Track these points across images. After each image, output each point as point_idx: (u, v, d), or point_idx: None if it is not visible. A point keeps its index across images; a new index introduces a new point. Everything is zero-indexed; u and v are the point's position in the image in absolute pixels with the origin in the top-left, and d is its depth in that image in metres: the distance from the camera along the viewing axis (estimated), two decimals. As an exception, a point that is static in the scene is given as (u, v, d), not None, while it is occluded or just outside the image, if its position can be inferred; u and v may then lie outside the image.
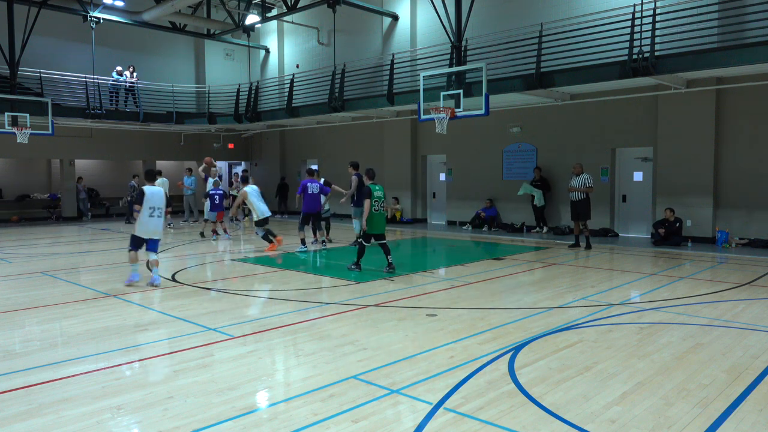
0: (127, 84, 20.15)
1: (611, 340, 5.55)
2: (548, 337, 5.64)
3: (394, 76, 15.87)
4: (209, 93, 21.84)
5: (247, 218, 19.24)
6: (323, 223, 13.27)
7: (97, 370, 4.81)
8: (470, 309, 6.89)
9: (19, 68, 16.75)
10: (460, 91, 12.32)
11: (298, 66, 21.97)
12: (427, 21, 17.45)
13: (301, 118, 19.44)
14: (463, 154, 17.50)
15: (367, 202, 9.27)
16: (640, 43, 11.40)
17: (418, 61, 16.55)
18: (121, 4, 18.61)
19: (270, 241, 12.08)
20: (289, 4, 17.15)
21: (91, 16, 17.56)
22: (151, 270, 8.59)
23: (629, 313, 6.67)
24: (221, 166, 25.47)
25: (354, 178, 12.08)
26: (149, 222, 8.47)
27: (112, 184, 22.63)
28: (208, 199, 14.45)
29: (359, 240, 9.65)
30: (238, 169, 22.91)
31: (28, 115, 16.20)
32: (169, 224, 17.32)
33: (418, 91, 12.98)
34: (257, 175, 23.44)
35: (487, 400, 4.05)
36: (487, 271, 9.59)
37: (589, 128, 14.74)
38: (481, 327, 6.04)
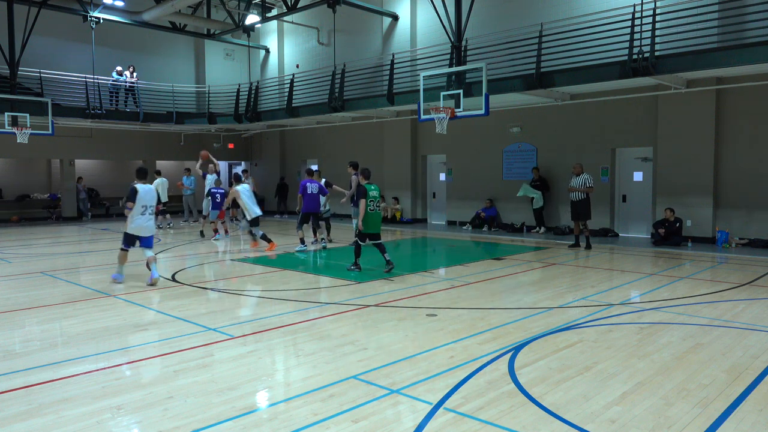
0: (127, 84, 20.15)
1: (611, 340, 5.55)
2: (548, 337, 5.64)
3: (394, 76, 15.87)
4: (209, 93, 21.84)
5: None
6: (324, 224, 13.31)
7: (97, 370, 4.81)
8: (470, 309, 6.89)
9: (19, 68, 16.75)
10: (460, 91, 12.32)
11: (298, 66, 21.98)
12: (427, 21, 17.45)
13: (301, 118, 19.44)
14: (463, 154, 17.50)
15: (362, 202, 9.29)
16: (640, 43, 11.40)
17: (418, 61, 16.55)
18: (121, 4, 18.62)
19: (269, 241, 12.09)
20: (289, 4, 17.15)
21: (91, 16, 17.56)
22: (150, 269, 8.62)
23: (629, 313, 6.67)
24: (221, 166, 25.51)
25: (354, 177, 12.09)
26: (140, 219, 8.55)
27: (112, 184, 22.63)
28: (209, 197, 14.43)
29: (355, 240, 9.66)
30: (238, 169, 22.90)
31: (28, 115, 16.20)
32: (169, 224, 17.32)
33: (418, 91, 12.99)
34: (257, 175, 23.44)
35: (487, 400, 4.05)
36: (487, 271, 9.59)
37: (589, 128, 14.74)
38: (481, 327, 6.04)
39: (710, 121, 12.72)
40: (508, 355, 5.07)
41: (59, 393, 4.28)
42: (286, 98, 19.45)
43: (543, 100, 14.41)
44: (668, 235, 12.62)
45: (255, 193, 13.97)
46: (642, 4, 11.57)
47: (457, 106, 12.26)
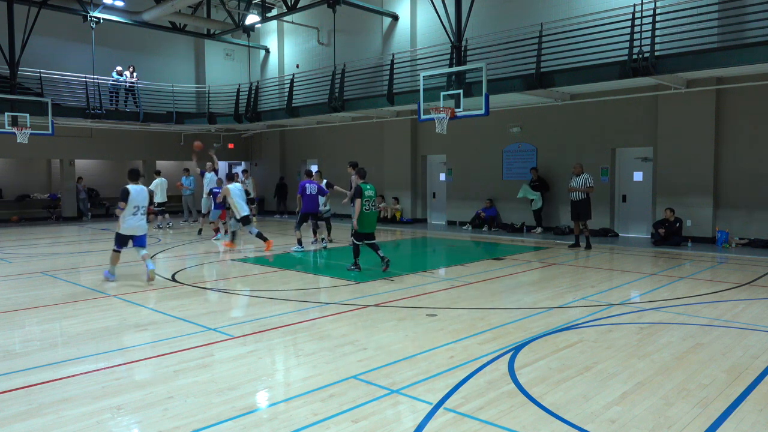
0: (127, 84, 20.15)
1: (611, 340, 5.55)
2: (548, 337, 5.64)
3: (394, 76, 15.87)
4: (209, 93, 21.84)
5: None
6: (324, 224, 13.34)
7: (97, 370, 4.81)
8: (470, 309, 6.89)
9: (19, 68, 16.76)
10: (460, 91, 12.33)
11: (298, 66, 21.98)
12: (427, 21, 17.45)
13: (301, 118, 19.44)
14: (463, 154, 17.50)
15: (357, 202, 9.30)
16: (640, 43, 11.40)
17: (418, 61, 16.56)
18: (121, 4, 18.62)
19: (265, 240, 12.12)
20: (289, 4, 17.15)
21: (91, 16, 17.56)
22: (145, 261, 8.74)
23: (629, 313, 6.67)
24: (222, 166, 25.50)
25: (354, 177, 12.08)
26: (132, 220, 8.63)
27: (112, 184, 22.61)
28: (210, 196, 14.43)
29: (352, 240, 9.67)
30: (238, 169, 22.91)
31: (28, 115, 16.21)
32: (168, 224, 17.32)
33: (418, 91, 12.99)
34: (257, 175, 23.43)
35: (487, 400, 4.05)
36: (487, 271, 9.59)
37: (589, 128, 14.74)
38: (481, 327, 6.04)
39: (710, 121, 12.72)
40: (508, 355, 5.07)
41: (59, 393, 4.28)
42: (286, 98, 19.45)
43: (543, 100, 14.41)
44: (668, 235, 12.62)
45: (247, 193, 14.01)
46: (642, 4, 11.57)
47: (457, 106, 12.26)
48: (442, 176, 18.65)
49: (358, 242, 9.55)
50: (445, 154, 18.22)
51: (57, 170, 21.43)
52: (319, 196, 12.41)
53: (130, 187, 8.62)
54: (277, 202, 22.87)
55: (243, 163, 25.41)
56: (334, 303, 7.26)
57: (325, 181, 13.34)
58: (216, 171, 15.78)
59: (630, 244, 12.99)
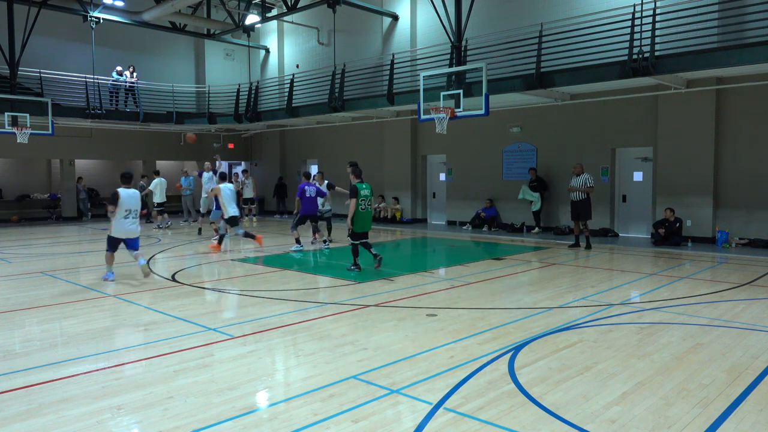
0: (127, 84, 20.15)
1: (611, 340, 5.55)
2: (548, 337, 5.64)
3: (394, 76, 15.87)
4: (209, 93, 21.84)
5: (247, 219, 19.26)
6: (325, 224, 13.40)
7: (97, 370, 4.81)
8: (470, 309, 6.89)
9: (19, 68, 16.75)
10: (460, 91, 12.32)
11: (298, 66, 21.98)
12: (427, 21, 17.45)
13: (301, 118, 19.44)
14: (463, 154, 17.50)
15: (353, 201, 9.32)
16: (640, 43, 11.40)
17: (418, 61, 16.56)
18: (121, 4, 18.62)
19: (253, 237, 12.20)
20: (289, 4, 17.15)
21: (91, 16, 17.56)
22: (137, 259, 8.86)
23: (629, 313, 6.67)
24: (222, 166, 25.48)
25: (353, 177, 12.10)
26: (124, 223, 8.65)
27: (112, 184, 22.52)
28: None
29: (351, 241, 9.67)
30: (238, 169, 22.92)
31: (28, 115, 16.21)
32: (168, 224, 17.32)
33: (418, 91, 12.99)
34: (257, 175, 23.42)
35: (487, 400, 4.05)
36: (487, 271, 9.59)
37: (589, 128, 14.74)
38: (481, 327, 6.04)
39: (710, 121, 12.72)
40: (508, 355, 5.07)
41: (59, 393, 4.28)
42: (286, 98, 19.45)
43: (543, 100, 14.41)
44: (668, 235, 12.62)
45: (239, 194, 14.01)
46: (642, 4, 11.56)
47: (457, 106, 12.26)
48: (442, 176, 18.65)
49: (355, 242, 9.55)
50: (445, 154, 18.22)
51: (57, 170, 21.43)
52: (318, 198, 12.47)
53: (121, 190, 8.64)
54: (276, 202, 22.87)
55: (243, 163, 25.41)
56: (334, 303, 7.26)
57: (326, 182, 13.38)
58: (215, 171, 15.78)
59: (630, 244, 12.99)
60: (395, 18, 18.30)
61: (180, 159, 23.62)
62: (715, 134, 12.71)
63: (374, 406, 3.98)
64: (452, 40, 13.48)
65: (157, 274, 9.48)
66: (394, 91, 15.78)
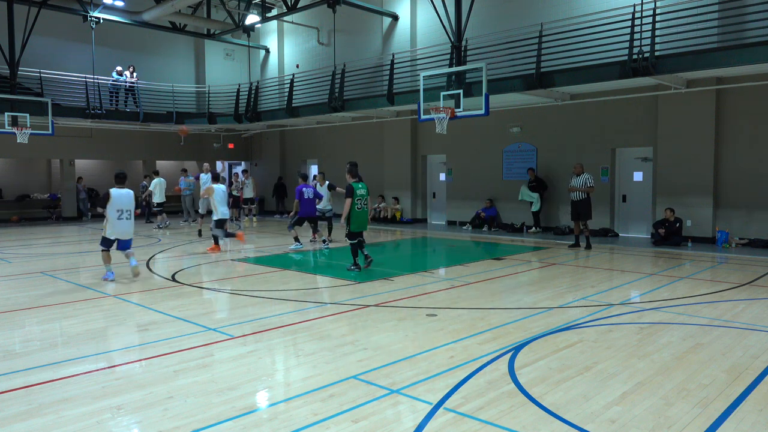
0: (127, 84, 20.15)
1: (611, 340, 5.55)
2: (548, 337, 5.64)
3: (394, 76, 15.87)
4: (209, 93, 21.84)
5: (247, 219, 19.26)
6: (326, 223, 13.43)
7: (97, 370, 4.81)
8: (470, 309, 6.89)
9: (19, 68, 16.75)
10: (460, 91, 12.33)
11: (298, 66, 21.98)
12: (427, 21, 17.45)
13: (301, 118, 19.44)
14: (463, 154, 17.50)
15: (348, 201, 9.33)
16: (640, 43, 11.40)
17: (418, 61, 16.55)
18: (121, 4, 18.61)
19: (234, 234, 12.28)
20: (289, 4, 17.15)
21: (91, 16, 17.56)
22: (129, 258, 8.91)
23: (629, 313, 6.67)
24: (221, 166, 25.51)
25: (346, 176, 12.13)
26: (117, 224, 8.66)
27: (112, 184, 22.52)
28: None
29: (348, 241, 9.67)
30: (238, 169, 22.92)
31: (28, 115, 16.21)
32: (167, 224, 17.31)
33: (418, 91, 12.99)
34: (257, 175, 23.43)
35: (487, 400, 4.05)
36: (487, 271, 9.59)
37: (589, 128, 14.74)
38: (481, 327, 6.04)
39: (710, 121, 12.72)
40: (508, 355, 5.07)
41: (59, 393, 4.28)
42: (286, 98, 19.44)
43: (543, 100, 14.41)
44: (668, 235, 12.62)
45: (230, 194, 14.01)
46: (642, 4, 11.56)
47: (457, 106, 12.26)
48: (442, 176, 18.65)
49: (353, 241, 9.56)
50: (445, 154, 18.22)
51: (57, 170, 21.43)
52: (316, 199, 12.57)
53: (113, 190, 8.65)
54: (275, 202, 22.87)
55: (243, 163, 25.41)
56: (334, 303, 7.26)
57: (327, 182, 13.40)
58: (212, 172, 15.79)
59: (630, 244, 12.99)
60: (395, 18, 18.30)
61: (180, 159, 23.62)
62: (715, 134, 12.71)
63: (374, 406, 3.98)
64: (452, 40, 13.48)
65: (157, 274, 9.49)
66: (394, 91, 15.78)
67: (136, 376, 4.68)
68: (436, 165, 18.86)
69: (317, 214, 13.02)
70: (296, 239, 12.33)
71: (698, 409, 3.92)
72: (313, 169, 22.52)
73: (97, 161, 22.28)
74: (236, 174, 20.87)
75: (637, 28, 11.57)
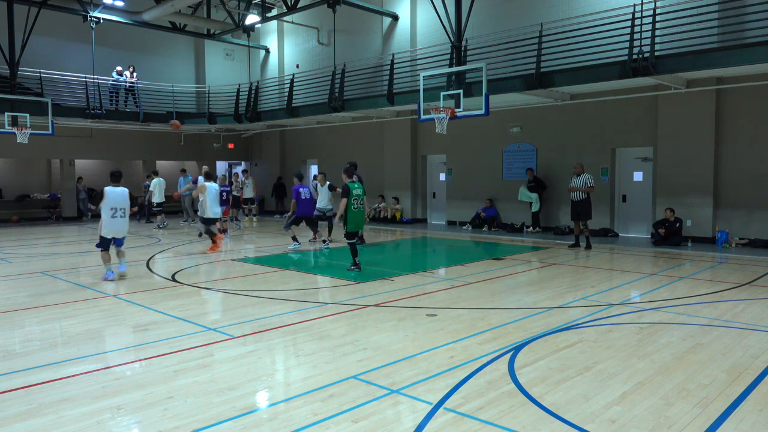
0: (127, 84, 20.15)
1: (611, 340, 5.55)
2: (548, 337, 5.64)
3: (394, 76, 15.87)
4: (209, 93, 21.84)
5: (247, 218, 19.26)
6: (326, 223, 13.44)
7: (97, 370, 4.81)
8: (470, 309, 6.89)
9: (19, 68, 16.75)
10: (460, 91, 12.32)
11: (298, 66, 21.97)
12: (427, 21, 17.45)
13: (301, 118, 19.44)
14: (463, 154, 17.50)
15: (344, 201, 9.36)
16: (640, 43, 11.40)
17: (418, 61, 16.55)
18: (121, 4, 18.61)
19: (214, 235, 12.21)
20: (289, 4, 17.15)
21: (91, 16, 17.55)
22: (119, 260, 8.92)
23: (629, 313, 6.67)
24: (221, 166, 25.50)
25: (354, 177, 12.11)
26: (111, 222, 8.67)
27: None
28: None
29: (347, 241, 9.67)
30: (238, 169, 22.93)
31: (28, 115, 16.20)
32: (165, 224, 17.30)
33: (418, 91, 12.99)
34: (257, 175, 23.42)
35: (487, 400, 4.05)
36: (487, 271, 9.59)
37: (589, 128, 14.74)
38: (481, 327, 6.04)
39: (710, 121, 12.72)
40: (508, 355, 5.07)
41: (59, 393, 4.28)
42: (286, 98, 19.44)
43: (543, 100, 14.41)
44: (668, 235, 12.62)
45: (222, 195, 13.99)
46: (642, 4, 11.56)
47: (457, 106, 12.26)
48: (442, 176, 18.65)
49: (351, 241, 9.56)
50: (445, 154, 18.22)
51: (57, 170, 21.42)
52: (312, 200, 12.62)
53: (107, 188, 8.68)
54: (275, 202, 22.87)
55: (243, 163, 25.41)
56: (334, 303, 7.26)
57: (328, 183, 13.40)
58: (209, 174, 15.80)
59: (630, 244, 12.98)
60: (395, 18, 18.30)
61: (180, 159, 23.61)
62: (715, 134, 12.71)
63: (374, 406, 3.98)
64: (452, 40, 13.48)
65: (157, 274, 9.49)
66: (394, 91, 15.78)
67: (136, 376, 4.68)
68: (436, 165, 18.86)
69: (318, 213, 13.03)
70: (294, 239, 12.33)
71: (698, 409, 3.92)
72: (313, 169, 22.52)
73: (97, 161, 22.28)
74: (236, 174, 20.87)
75: (637, 28, 11.57)
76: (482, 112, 11.79)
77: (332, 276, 9.21)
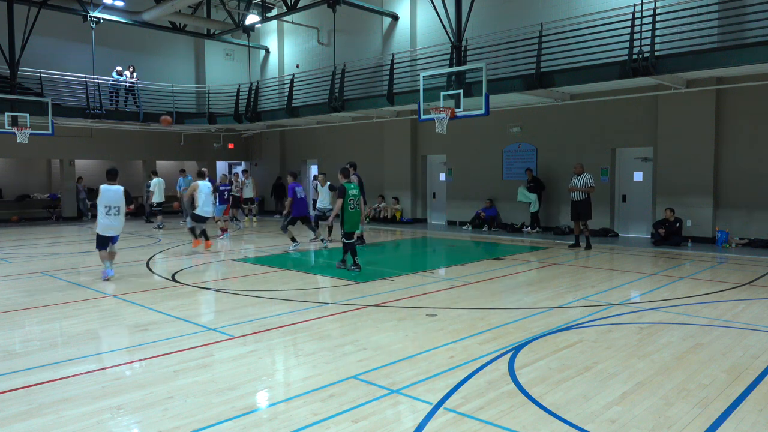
0: (127, 84, 20.15)
1: (611, 340, 5.55)
2: (548, 337, 5.64)
3: (394, 76, 15.87)
4: (209, 93, 21.84)
5: (247, 218, 19.26)
6: (326, 223, 13.41)
7: (97, 370, 4.81)
8: (470, 309, 6.89)
9: (19, 68, 16.75)
10: (460, 91, 12.33)
11: (298, 66, 21.98)
12: (427, 21, 17.45)
13: (301, 118, 19.44)
14: (463, 154, 17.50)
15: (339, 201, 9.40)
16: (640, 43, 11.40)
17: (418, 61, 16.56)
18: (121, 4, 18.61)
19: (196, 238, 12.18)
20: (289, 4, 17.15)
21: (91, 16, 17.55)
22: (110, 262, 8.95)
23: (629, 313, 6.67)
24: (222, 166, 25.50)
25: (354, 177, 12.10)
26: (106, 220, 8.68)
27: (112, 184, 22.57)
28: (216, 194, 14.40)
29: (344, 241, 9.68)
30: (238, 169, 22.93)
31: (28, 115, 16.21)
32: (163, 224, 17.28)
33: (418, 91, 12.99)
34: (257, 175, 23.43)
35: (487, 400, 4.05)
36: (487, 271, 9.58)
37: (589, 128, 14.74)
38: (481, 327, 6.04)
39: (710, 121, 12.72)
40: (508, 355, 5.07)
41: (59, 393, 4.28)
42: (286, 98, 19.45)
43: (543, 100, 14.41)
44: (668, 235, 12.62)
45: (218, 193, 14.00)
46: (642, 4, 11.56)
47: (457, 106, 12.26)
48: (442, 176, 18.65)
49: (349, 241, 9.57)
50: (445, 154, 18.22)
51: (57, 170, 21.43)
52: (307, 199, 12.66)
53: (102, 187, 8.71)
54: (275, 202, 22.87)
55: (243, 163, 25.41)
56: (334, 303, 7.26)
57: (328, 183, 13.40)
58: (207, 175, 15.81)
59: (630, 244, 12.98)
60: (395, 18, 18.30)
61: (180, 159, 23.61)
62: (715, 134, 12.71)
63: (374, 406, 3.98)
64: (452, 40, 13.48)
65: (157, 274, 9.49)
66: (394, 91, 15.78)
67: (136, 376, 4.68)
68: (436, 165, 18.86)
69: (318, 213, 13.02)
70: (293, 239, 12.31)
71: (698, 409, 3.92)
72: (313, 169, 22.53)
73: (97, 161, 22.27)
74: (236, 174, 20.87)
75: (637, 28, 11.57)
76: (482, 112, 11.79)
77: (332, 276, 9.21)
